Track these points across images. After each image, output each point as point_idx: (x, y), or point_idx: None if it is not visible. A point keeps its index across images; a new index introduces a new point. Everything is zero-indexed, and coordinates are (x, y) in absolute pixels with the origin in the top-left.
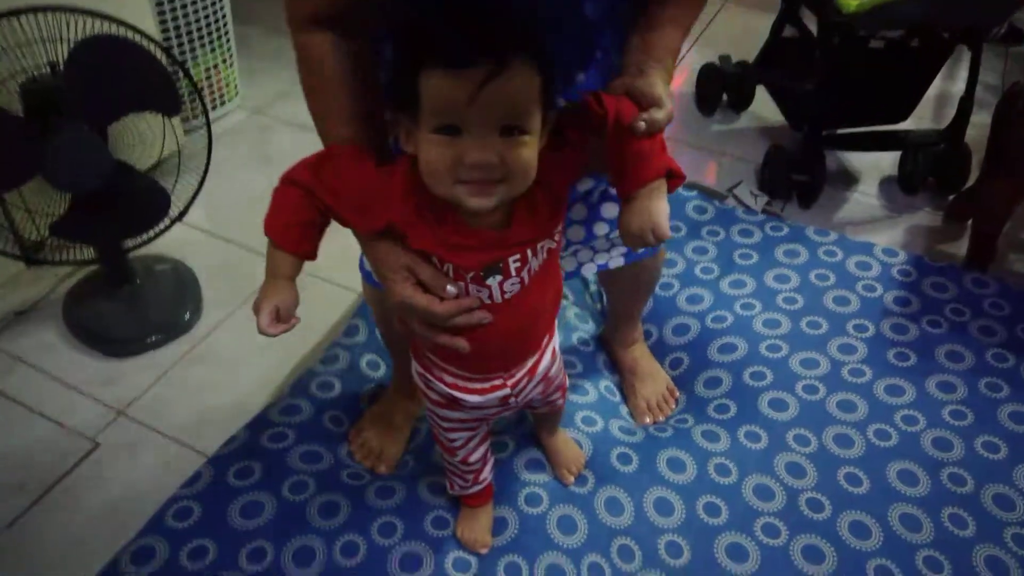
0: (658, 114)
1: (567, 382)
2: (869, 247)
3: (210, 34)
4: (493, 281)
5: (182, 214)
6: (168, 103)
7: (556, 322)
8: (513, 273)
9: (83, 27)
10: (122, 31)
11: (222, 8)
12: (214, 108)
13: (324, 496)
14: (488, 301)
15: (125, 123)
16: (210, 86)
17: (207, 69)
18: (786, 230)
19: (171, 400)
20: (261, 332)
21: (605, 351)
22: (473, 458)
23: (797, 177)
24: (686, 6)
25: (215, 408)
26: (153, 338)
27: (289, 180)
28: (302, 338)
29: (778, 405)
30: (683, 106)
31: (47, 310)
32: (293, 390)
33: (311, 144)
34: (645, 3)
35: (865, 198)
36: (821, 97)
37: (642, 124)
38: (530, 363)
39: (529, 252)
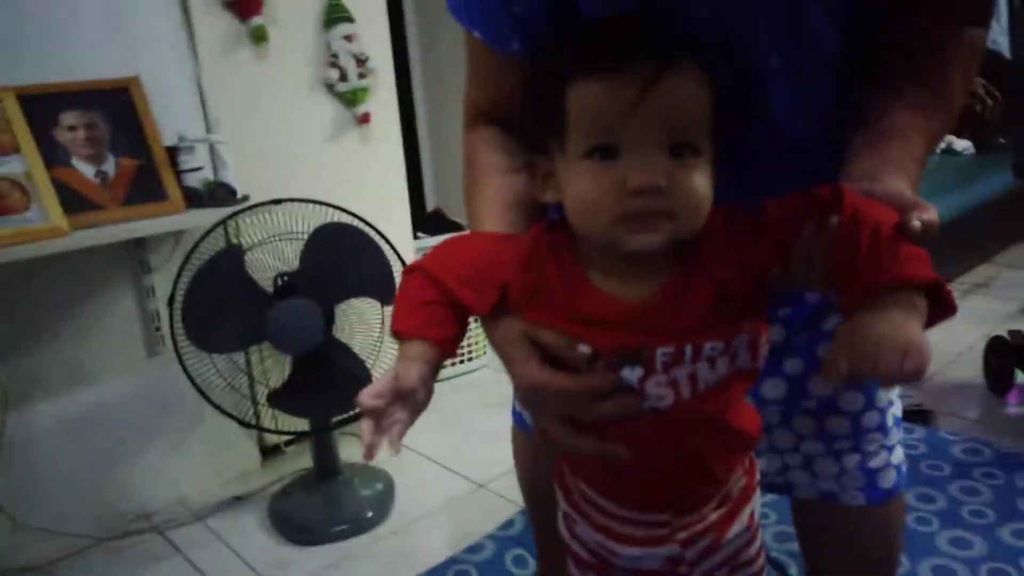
0: (932, 214)
1: None
2: None
3: None
4: (631, 374)
5: None
6: (384, 292)
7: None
8: (659, 369)
9: (327, 218)
10: (360, 224)
11: None
12: (462, 362)
13: None
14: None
15: (353, 312)
16: (467, 340)
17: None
18: None
19: None
20: (360, 404)
21: None
22: None
23: None
24: (931, 112)
25: None
26: (334, 530)
27: (407, 268)
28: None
29: None
30: (969, 388)
31: (259, 499)
32: None
33: None
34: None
35: None
36: None
37: (917, 223)
38: (711, 514)
39: (689, 349)
